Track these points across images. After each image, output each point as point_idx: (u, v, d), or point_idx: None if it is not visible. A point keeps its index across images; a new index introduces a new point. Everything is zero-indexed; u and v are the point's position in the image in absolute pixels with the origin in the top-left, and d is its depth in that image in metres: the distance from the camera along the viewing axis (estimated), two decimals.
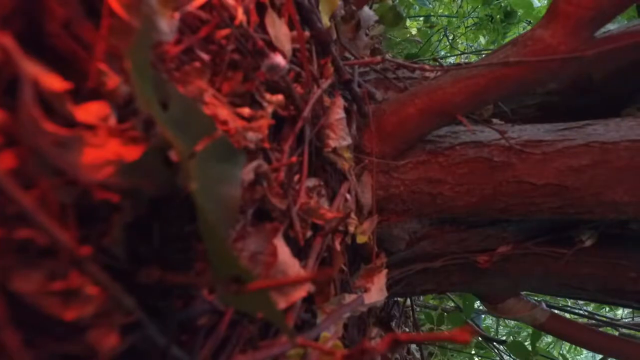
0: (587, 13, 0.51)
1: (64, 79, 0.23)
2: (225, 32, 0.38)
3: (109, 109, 0.25)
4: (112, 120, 0.25)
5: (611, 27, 0.75)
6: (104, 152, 0.22)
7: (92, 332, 0.23)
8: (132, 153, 0.23)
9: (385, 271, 0.57)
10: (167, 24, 0.29)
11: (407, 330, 1.41)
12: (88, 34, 0.27)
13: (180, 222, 0.29)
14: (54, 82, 0.22)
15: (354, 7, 0.87)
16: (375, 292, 0.55)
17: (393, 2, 1.19)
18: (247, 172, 0.35)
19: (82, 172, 0.22)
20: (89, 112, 0.23)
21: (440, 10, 2.58)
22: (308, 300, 0.48)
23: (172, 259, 0.28)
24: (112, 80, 0.26)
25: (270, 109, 0.41)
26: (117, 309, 0.24)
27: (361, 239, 0.58)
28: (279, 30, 0.46)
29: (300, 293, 0.33)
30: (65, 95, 0.23)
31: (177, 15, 0.31)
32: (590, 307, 2.05)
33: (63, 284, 0.21)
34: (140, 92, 0.21)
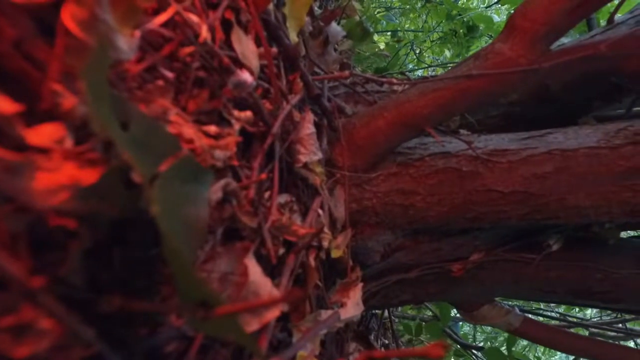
0: (542, 28, 0.54)
1: (14, 100, 0.22)
2: (189, 49, 0.37)
3: (64, 131, 0.23)
4: (68, 143, 0.24)
5: (564, 40, 0.79)
6: (58, 176, 0.21)
7: None
8: (90, 176, 0.22)
9: (360, 285, 0.57)
10: (126, 42, 0.28)
11: (386, 342, 1.41)
12: (42, 53, 0.26)
13: (145, 245, 0.28)
14: (3, 104, 0.21)
15: (321, 23, 0.88)
16: (352, 307, 0.54)
17: (360, 18, 1.21)
18: (215, 191, 0.34)
19: (34, 198, 0.21)
20: (42, 134, 0.22)
21: (407, 25, 2.66)
22: (283, 318, 0.47)
23: (136, 284, 0.27)
24: (68, 101, 0.25)
25: (237, 126, 0.41)
26: (76, 341, 0.23)
27: (336, 254, 0.57)
28: (245, 47, 0.46)
29: (273, 313, 0.32)
30: (16, 118, 0.22)
31: (137, 33, 0.31)
32: (562, 309, 2.11)
33: (13, 319, 0.20)
34: (95, 113, 0.20)
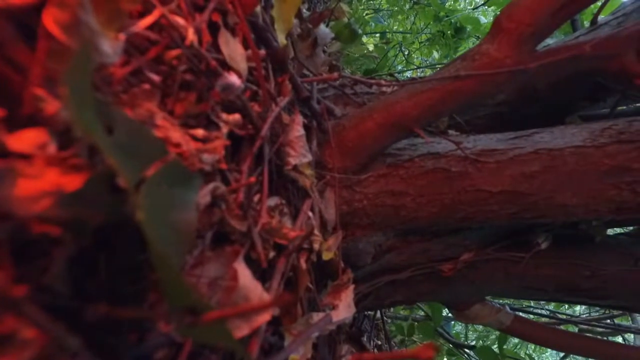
0: (527, 29, 0.54)
1: None
2: (175, 52, 0.37)
3: (47, 136, 0.23)
4: (51, 148, 0.23)
5: (550, 41, 0.81)
6: (40, 182, 0.21)
7: None
8: (73, 182, 0.22)
9: (352, 287, 0.57)
10: (111, 46, 0.27)
11: (379, 343, 1.41)
12: (23, 57, 0.25)
13: (132, 251, 0.28)
14: None
15: (310, 25, 0.88)
16: (344, 309, 0.54)
17: (349, 19, 1.22)
18: (203, 195, 0.34)
19: (16, 205, 0.21)
20: (24, 140, 0.22)
21: (395, 27, 2.68)
22: (275, 322, 0.47)
23: (122, 291, 0.26)
24: (51, 106, 0.24)
25: (226, 129, 0.40)
26: (61, 351, 0.22)
27: (327, 256, 0.57)
28: (233, 49, 0.45)
29: (263, 318, 0.32)
30: None
31: (122, 36, 0.30)
32: (551, 306, 2.14)
33: None
34: (77, 118, 0.20)
